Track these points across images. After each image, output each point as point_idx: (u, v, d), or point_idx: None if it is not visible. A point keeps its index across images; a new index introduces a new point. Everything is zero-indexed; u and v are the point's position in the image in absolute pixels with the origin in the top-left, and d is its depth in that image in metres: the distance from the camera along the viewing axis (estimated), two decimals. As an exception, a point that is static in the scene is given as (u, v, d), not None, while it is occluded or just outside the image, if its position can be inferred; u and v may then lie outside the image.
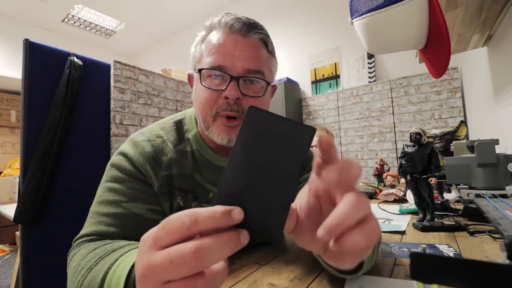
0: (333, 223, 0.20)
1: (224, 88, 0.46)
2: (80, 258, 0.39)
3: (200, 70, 0.48)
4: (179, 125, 0.57)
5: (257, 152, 0.21)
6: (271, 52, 0.52)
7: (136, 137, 0.53)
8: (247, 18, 0.48)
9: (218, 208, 0.20)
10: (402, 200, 1.09)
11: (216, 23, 0.49)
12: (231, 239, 0.19)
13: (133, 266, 0.30)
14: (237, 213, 0.20)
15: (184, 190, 0.53)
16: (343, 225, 0.20)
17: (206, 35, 0.50)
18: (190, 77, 0.53)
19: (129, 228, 0.45)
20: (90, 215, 0.47)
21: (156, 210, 0.50)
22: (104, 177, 0.51)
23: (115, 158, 0.51)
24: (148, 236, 0.21)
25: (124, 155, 0.50)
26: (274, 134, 0.21)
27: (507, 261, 0.22)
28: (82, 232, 0.45)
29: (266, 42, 0.50)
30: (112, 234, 0.44)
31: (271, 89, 0.55)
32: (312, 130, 0.21)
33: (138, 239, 0.43)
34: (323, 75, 2.75)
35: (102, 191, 0.48)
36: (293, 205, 0.25)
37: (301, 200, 0.25)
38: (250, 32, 0.47)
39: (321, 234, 0.20)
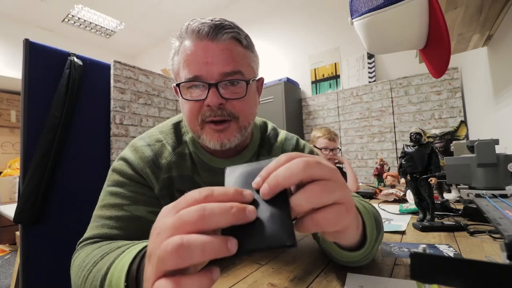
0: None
1: (204, 97, 0.46)
2: (85, 255, 0.40)
3: (178, 85, 0.48)
4: (177, 128, 0.57)
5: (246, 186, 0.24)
6: (248, 47, 0.50)
7: (136, 142, 0.54)
8: (212, 20, 0.47)
9: (231, 188, 0.23)
10: (402, 200, 1.09)
11: (184, 32, 0.47)
12: (237, 207, 0.21)
13: (136, 256, 0.31)
14: (248, 195, 0.23)
15: (184, 192, 0.53)
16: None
17: (179, 45, 0.49)
18: (175, 89, 0.53)
19: (131, 231, 0.46)
20: (93, 219, 0.48)
21: (158, 213, 0.50)
22: (106, 182, 0.52)
23: (116, 163, 0.52)
24: (169, 205, 0.24)
25: (125, 160, 0.51)
26: (254, 173, 0.25)
27: (507, 261, 0.22)
28: (86, 235, 0.46)
29: (239, 39, 0.48)
30: (115, 236, 0.45)
31: (255, 84, 0.53)
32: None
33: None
34: (323, 75, 2.75)
35: (104, 195, 0.49)
36: None
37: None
38: (219, 35, 0.46)
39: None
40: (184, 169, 0.53)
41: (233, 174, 0.26)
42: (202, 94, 0.47)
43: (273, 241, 0.20)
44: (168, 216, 0.22)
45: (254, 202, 0.23)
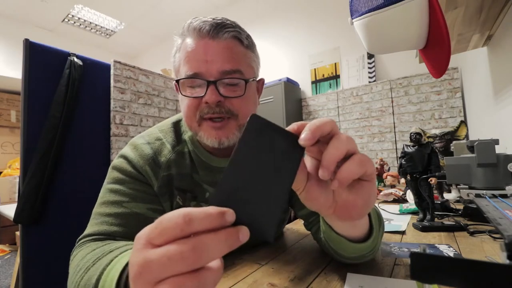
0: (324, 160, 0.25)
1: (203, 94, 0.46)
2: (79, 258, 0.40)
3: (178, 81, 0.48)
4: (176, 127, 0.57)
5: (255, 158, 0.23)
6: (248, 47, 0.51)
7: (136, 140, 0.54)
8: (214, 19, 0.47)
9: (212, 210, 0.20)
10: (402, 200, 1.09)
11: (185, 29, 0.48)
12: (229, 236, 0.20)
13: (125, 267, 0.30)
14: (230, 215, 0.20)
15: (183, 190, 0.54)
16: (332, 158, 0.24)
17: (181, 43, 0.50)
18: (176, 85, 0.54)
19: (131, 227, 0.46)
20: (92, 216, 0.48)
21: (157, 210, 0.51)
22: (106, 180, 0.52)
23: (116, 161, 0.53)
24: (142, 234, 0.21)
25: (125, 157, 0.52)
26: (272, 143, 0.24)
27: (507, 261, 0.22)
28: (85, 232, 0.46)
29: (239, 39, 0.49)
30: (114, 233, 0.45)
31: (255, 84, 0.54)
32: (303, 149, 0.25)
33: None
34: (323, 75, 2.75)
35: (104, 193, 0.50)
36: (303, 165, 0.27)
37: (308, 165, 0.28)
38: (220, 33, 0.46)
39: (320, 173, 0.25)
40: (183, 167, 0.54)
41: (252, 132, 0.23)
42: (201, 91, 0.47)
43: (256, 230, 0.21)
44: (144, 250, 0.20)
45: (255, 180, 0.22)
